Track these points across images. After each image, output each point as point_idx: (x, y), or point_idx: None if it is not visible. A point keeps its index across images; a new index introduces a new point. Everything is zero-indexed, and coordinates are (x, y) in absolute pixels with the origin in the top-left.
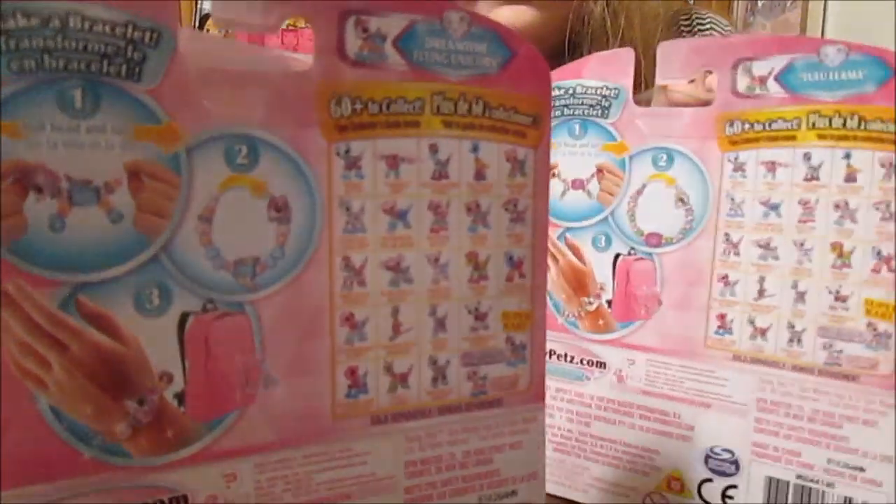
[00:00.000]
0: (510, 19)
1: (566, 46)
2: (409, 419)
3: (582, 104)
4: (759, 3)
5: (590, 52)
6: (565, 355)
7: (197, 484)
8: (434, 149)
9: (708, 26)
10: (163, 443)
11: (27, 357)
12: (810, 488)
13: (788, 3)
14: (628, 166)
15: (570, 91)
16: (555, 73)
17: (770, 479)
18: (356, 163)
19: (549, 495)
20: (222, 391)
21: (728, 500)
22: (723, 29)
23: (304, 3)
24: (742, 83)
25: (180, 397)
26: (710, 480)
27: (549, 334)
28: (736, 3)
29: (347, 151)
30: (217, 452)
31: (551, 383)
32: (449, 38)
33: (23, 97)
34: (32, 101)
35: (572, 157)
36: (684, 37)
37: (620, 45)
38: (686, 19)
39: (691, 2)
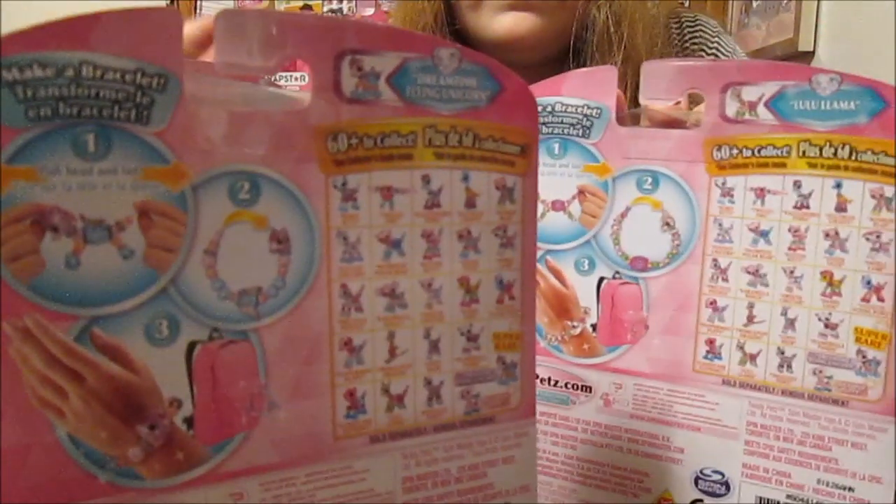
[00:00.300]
0: (513, 26)
1: (570, 53)
2: (406, 437)
3: (562, 122)
4: (755, 4)
5: (593, 58)
6: (549, 379)
7: (207, 502)
8: (426, 179)
9: (697, 30)
10: (173, 465)
11: (45, 388)
12: None
13: (783, 4)
14: (612, 188)
15: (550, 109)
16: (533, 89)
17: (761, 499)
18: (353, 195)
19: None
20: (228, 415)
21: None
22: (711, 30)
23: (301, 46)
24: (731, 108)
25: (189, 422)
26: (700, 501)
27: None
28: (731, 3)
29: (344, 184)
30: (224, 473)
31: (536, 407)
32: (440, 74)
33: (39, 143)
34: (48, 147)
35: (552, 177)
36: (674, 41)
37: (623, 52)
38: (676, 22)
39: (686, 4)
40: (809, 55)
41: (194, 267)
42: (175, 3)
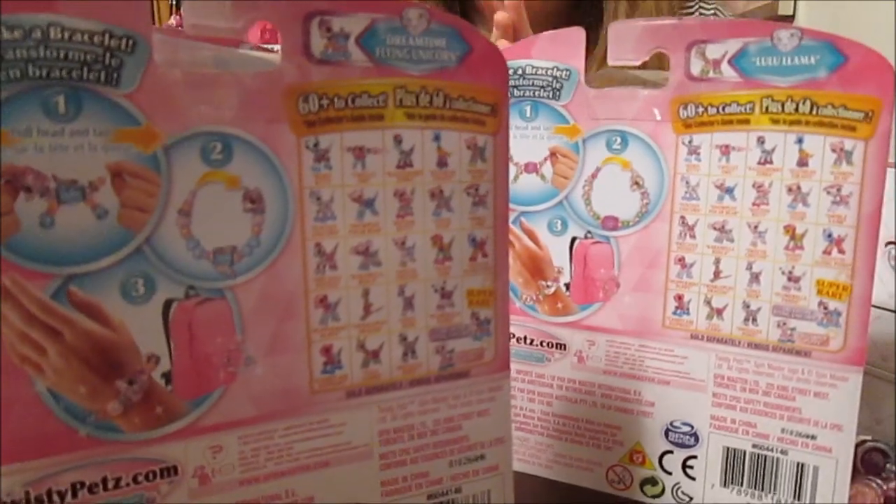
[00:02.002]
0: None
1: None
2: (382, 392)
3: (532, 85)
4: None
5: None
6: (525, 338)
7: (185, 456)
8: (398, 139)
9: (712, 13)
10: (152, 419)
11: (24, 344)
12: (765, 456)
13: None
14: (582, 149)
15: (520, 72)
16: (503, 53)
17: (727, 449)
18: (325, 155)
19: (514, 472)
20: (206, 371)
21: (688, 470)
22: (709, 10)
23: (270, 7)
24: (696, 66)
25: (167, 377)
26: (670, 452)
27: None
28: None
29: (316, 145)
30: (203, 427)
31: (512, 366)
32: (409, 35)
33: (9, 105)
34: (19, 109)
35: (524, 139)
36: None
37: None
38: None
39: None
40: (790, 18)
41: (168, 227)
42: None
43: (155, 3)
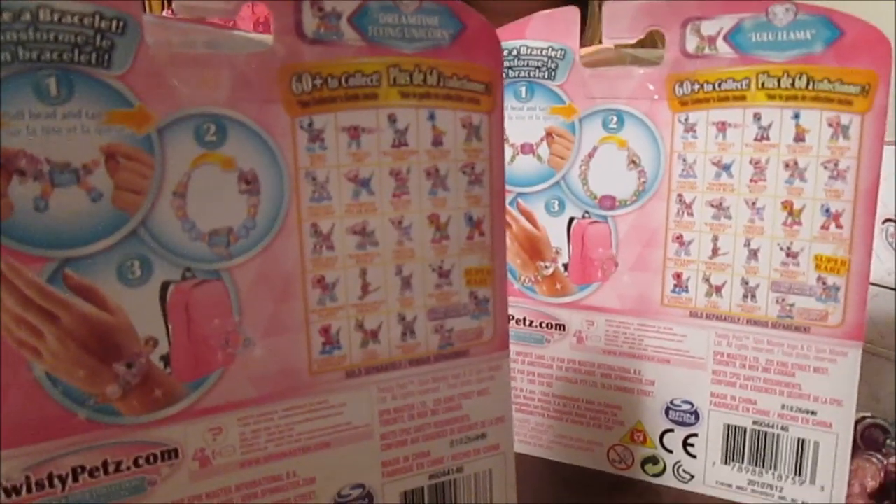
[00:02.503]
0: None
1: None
2: (382, 372)
3: (527, 66)
4: None
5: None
6: (524, 320)
7: (186, 438)
8: (392, 118)
9: None
10: (152, 402)
11: (21, 328)
12: (766, 432)
13: None
14: (578, 129)
15: (515, 52)
16: (497, 33)
17: (728, 426)
18: (319, 135)
19: (514, 454)
20: (204, 353)
21: (689, 448)
22: None
23: None
24: (691, 43)
25: (166, 360)
26: (671, 431)
27: (508, 300)
28: None
29: (310, 125)
30: (203, 409)
31: (512, 347)
32: (401, 13)
33: (1, 89)
34: (10, 92)
35: (520, 120)
36: None
37: None
38: None
39: None
40: None
41: (164, 209)
42: None
43: None
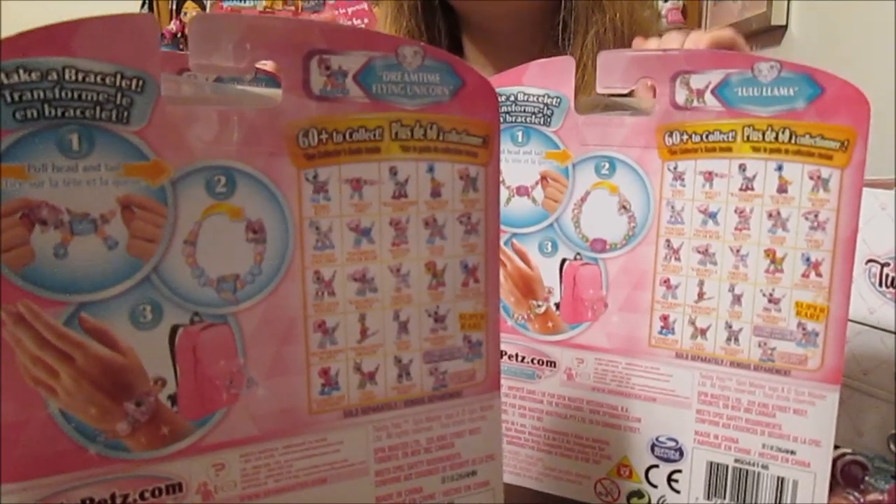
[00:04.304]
0: None
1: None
2: (378, 412)
3: (524, 111)
4: None
5: (574, 35)
6: (517, 356)
7: (190, 473)
8: (393, 171)
9: None
10: (159, 438)
11: (39, 368)
12: (747, 470)
13: None
14: (572, 174)
15: (512, 98)
16: (494, 80)
17: (711, 464)
18: (323, 187)
19: (504, 485)
20: (210, 392)
21: (673, 483)
22: None
23: (271, 48)
24: (681, 96)
25: (173, 399)
26: (656, 466)
27: (501, 336)
28: None
29: (315, 177)
30: (207, 445)
31: (504, 382)
32: (404, 71)
33: (26, 143)
34: (35, 146)
35: (516, 164)
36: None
37: (609, 24)
38: None
39: None
40: (782, 29)
41: (175, 256)
42: (154, 5)
43: (155, 7)
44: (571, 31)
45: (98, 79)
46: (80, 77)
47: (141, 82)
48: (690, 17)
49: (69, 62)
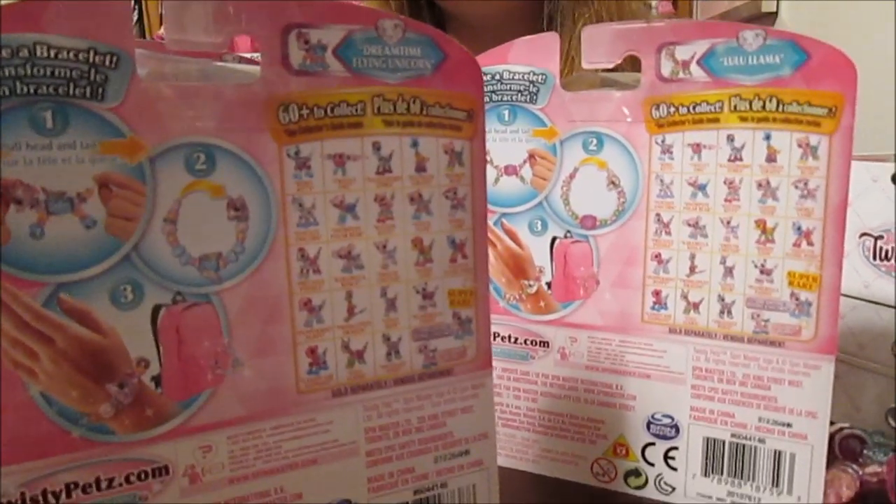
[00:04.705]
0: None
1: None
2: (367, 391)
3: (510, 90)
4: None
5: (561, 28)
6: (509, 337)
7: (176, 456)
8: (377, 146)
9: None
10: (143, 421)
11: (18, 350)
12: (744, 445)
13: None
14: (559, 151)
15: (497, 77)
16: (480, 59)
17: (707, 439)
18: (306, 163)
19: (500, 468)
20: (194, 373)
21: (670, 461)
22: None
23: (249, 21)
24: (666, 67)
25: (157, 380)
26: (652, 444)
27: (493, 318)
28: None
29: (297, 153)
30: (193, 427)
31: (497, 364)
32: (385, 45)
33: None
34: (8, 125)
35: (503, 143)
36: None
37: (596, 17)
38: None
39: None
40: (773, 16)
41: (155, 235)
42: (144, 9)
43: (145, 13)
44: (558, 24)
45: (71, 55)
46: (52, 53)
47: (115, 58)
48: (681, 7)
49: (40, 38)
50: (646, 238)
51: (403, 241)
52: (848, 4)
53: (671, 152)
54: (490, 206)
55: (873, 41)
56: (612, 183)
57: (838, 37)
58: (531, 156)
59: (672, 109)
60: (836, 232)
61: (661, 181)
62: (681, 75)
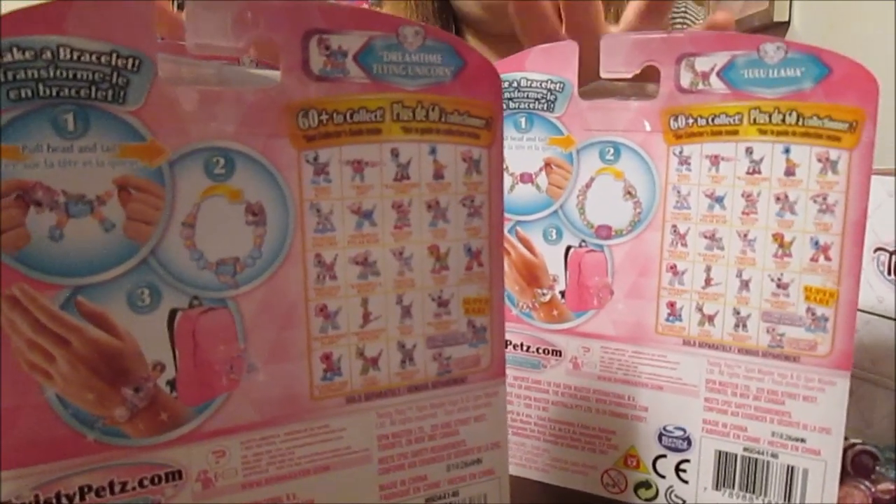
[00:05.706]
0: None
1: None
2: (381, 398)
3: (527, 97)
4: None
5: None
6: (521, 345)
7: (190, 460)
8: (395, 153)
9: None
10: (158, 425)
11: (34, 353)
12: (756, 459)
13: None
14: (576, 160)
15: (515, 84)
16: (497, 66)
17: (719, 453)
18: (324, 169)
19: (510, 476)
20: (209, 378)
21: (681, 473)
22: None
23: (270, 27)
24: (686, 78)
25: (172, 384)
26: (664, 456)
27: (506, 325)
28: None
29: (316, 158)
30: (206, 432)
31: (509, 372)
32: (405, 52)
33: (21, 123)
34: (30, 126)
35: (519, 150)
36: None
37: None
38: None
39: None
40: (785, 25)
41: (173, 239)
42: None
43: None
44: None
45: (93, 58)
46: (74, 56)
47: (137, 62)
48: None
49: (64, 41)
50: (661, 249)
51: (420, 249)
52: (861, 14)
53: (689, 163)
54: (505, 214)
55: (887, 51)
56: (629, 193)
57: (851, 46)
58: (547, 164)
59: (690, 121)
60: (854, 247)
61: (678, 192)
62: (700, 86)
